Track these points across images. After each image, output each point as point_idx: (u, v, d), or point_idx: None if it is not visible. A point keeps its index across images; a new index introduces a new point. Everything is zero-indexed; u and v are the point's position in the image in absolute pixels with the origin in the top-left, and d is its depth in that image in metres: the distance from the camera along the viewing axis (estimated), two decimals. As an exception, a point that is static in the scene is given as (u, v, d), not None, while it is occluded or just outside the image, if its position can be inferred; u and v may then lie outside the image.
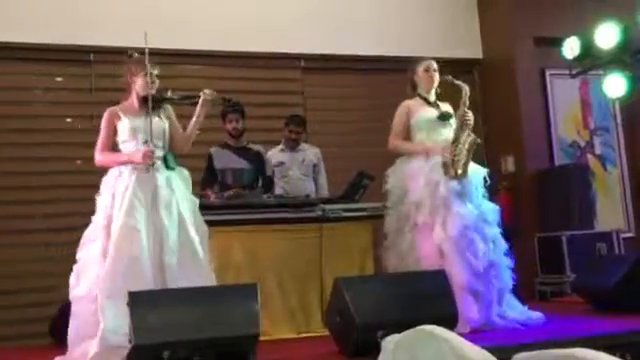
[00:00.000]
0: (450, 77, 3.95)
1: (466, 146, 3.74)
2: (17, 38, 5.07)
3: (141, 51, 3.51)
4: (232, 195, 4.23)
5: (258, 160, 4.69)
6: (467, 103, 3.87)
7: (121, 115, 3.49)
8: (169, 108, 3.62)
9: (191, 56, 5.36)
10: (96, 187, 5.12)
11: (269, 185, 4.64)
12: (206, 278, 3.31)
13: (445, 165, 3.71)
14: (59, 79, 5.37)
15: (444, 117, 3.88)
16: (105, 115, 3.54)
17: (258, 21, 5.64)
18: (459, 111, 3.86)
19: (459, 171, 3.70)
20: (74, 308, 3.26)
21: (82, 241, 3.34)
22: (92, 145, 5.19)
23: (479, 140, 3.82)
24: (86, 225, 5.09)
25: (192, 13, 5.52)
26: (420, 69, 3.99)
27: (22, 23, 5.11)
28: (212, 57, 5.45)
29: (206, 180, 4.52)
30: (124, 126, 3.47)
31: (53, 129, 5.26)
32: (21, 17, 5.12)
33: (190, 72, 5.51)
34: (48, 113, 5.28)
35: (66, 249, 4.95)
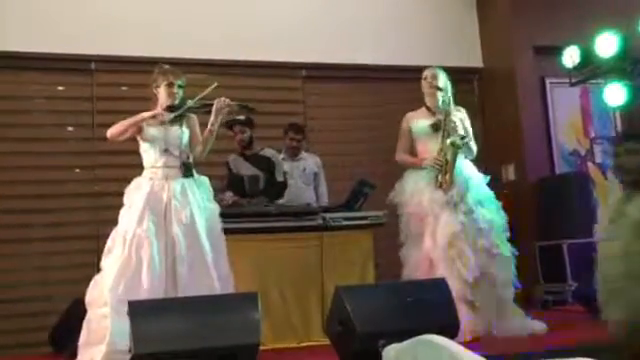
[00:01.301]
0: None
1: (448, 154, 3.74)
2: (18, 47, 5.09)
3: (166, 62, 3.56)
4: (230, 204, 4.22)
5: (269, 166, 4.69)
6: (449, 112, 3.86)
7: (143, 125, 3.50)
8: (193, 117, 3.63)
9: (192, 65, 5.37)
10: (96, 196, 5.17)
11: (280, 190, 4.63)
12: (216, 287, 3.32)
13: (436, 177, 3.74)
14: (60, 88, 5.39)
15: (436, 127, 3.87)
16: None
17: (259, 30, 5.66)
18: (442, 120, 3.84)
19: (444, 184, 3.71)
20: (88, 314, 3.29)
21: (105, 251, 3.37)
22: (93, 154, 5.27)
23: (459, 141, 3.78)
24: (85, 234, 5.11)
25: (193, 23, 5.54)
26: (422, 78, 4.00)
27: (23, 32, 5.13)
28: (213, 66, 5.47)
29: (227, 186, 4.52)
30: (144, 135, 3.49)
31: (54, 138, 5.27)
32: (22, 26, 5.14)
33: (191, 81, 5.52)
34: (49, 122, 5.29)
35: (66, 258, 4.99)
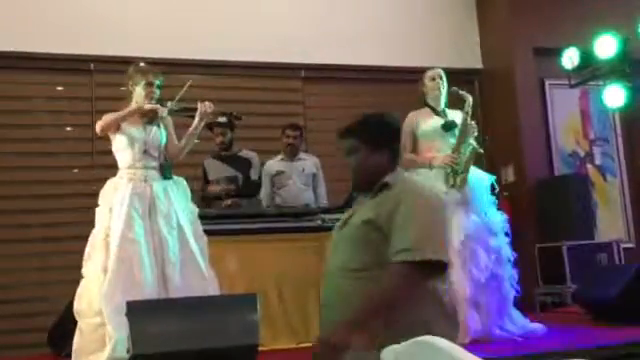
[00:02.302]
0: (455, 89, 3.96)
1: (466, 155, 3.76)
2: (18, 47, 5.09)
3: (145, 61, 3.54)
4: (230, 205, 4.22)
5: (246, 166, 4.68)
6: (470, 113, 3.90)
7: (120, 123, 3.46)
8: (168, 118, 3.61)
9: (192, 66, 5.37)
10: (95, 196, 5.15)
11: (253, 188, 4.61)
12: (208, 288, 3.29)
13: (447, 175, 3.73)
14: (59, 88, 5.38)
15: (448, 126, 3.89)
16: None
17: (259, 31, 5.66)
18: (461, 121, 3.88)
19: (458, 181, 3.71)
20: (79, 323, 3.25)
21: (85, 257, 3.32)
22: (92, 154, 5.26)
23: (480, 149, 3.83)
24: (84, 235, 5.09)
25: (192, 23, 5.53)
26: (427, 79, 4.00)
27: (23, 32, 5.12)
28: (213, 67, 5.46)
29: (203, 192, 4.52)
30: (122, 134, 3.45)
31: (53, 138, 5.27)
32: (22, 27, 5.13)
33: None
34: (48, 122, 5.29)
35: (64, 259, 4.98)
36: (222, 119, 4.18)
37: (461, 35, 6.40)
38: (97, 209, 3.39)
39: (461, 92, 3.94)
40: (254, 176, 4.70)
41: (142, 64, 3.58)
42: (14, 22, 5.13)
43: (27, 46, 5.10)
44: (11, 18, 5.13)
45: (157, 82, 3.50)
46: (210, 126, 4.55)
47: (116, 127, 3.44)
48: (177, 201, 3.39)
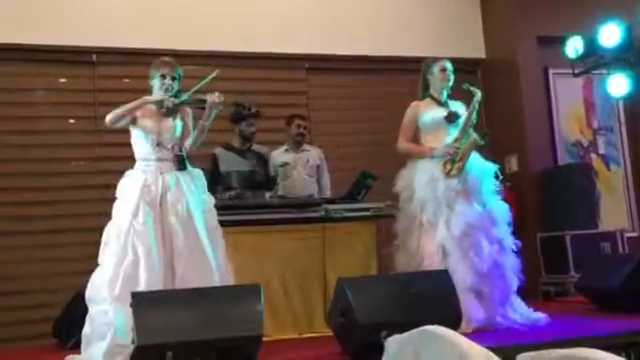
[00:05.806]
0: (467, 84, 3.93)
1: (465, 146, 3.75)
2: (20, 39, 5.08)
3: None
4: (234, 196, 4.22)
5: (262, 161, 4.69)
6: (477, 107, 3.88)
7: (137, 115, 3.49)
8: (186, 109, 3.62)
9: (194, 57, 5.37)
10: (98, 188, 5.18)
11: (271, 185, 4.64)
12: (214, 280, 3.31)
13: (444, 164, 3.73)
14: (62, 80, 5.38)
15: (451, 118, 3.87)
16: None
17: (262, 22, 5.65)
18: (467, 114, 3.86)
19: (453, 171, 3.71)
20: (89, 310, 3.28)
21: (101, 246, 3.36)
22: (94, 146, 5.27)
23: (480, 140, 3.81)
24: (87, 227, 5.13)
25: (195, 14, 5.52)
26: (436, 69, 3.96)
27: (25, 24, 5.11)
28: (215, 57, 5.45)
29: (211, 182, 4.51)
30: (137, 127, 3.48)
31: (56, 130, 5.27)
32: (24, 18, 5.13)
33: (193, 73, 5.52)
34: (51, 114, 5.29)
35: (68, 250, 5.00)
36: (254, 109, 4.25)
37: (464, 24, 6.37)
38: (115, 202, 3.41)
39: (472, 88, 3.91)
40: (272, 172, 4.71)
41: (166, 58, 3.60)
42: (16, 14, 5.12)
43: (29, 38, 5.09)
44: (13, 10, 5.12)
45: (172, 74, 3.51)
46: (239, 118, 4.55)
47: (130, 119, 3.46)
48: (189, 191, 3.40)
